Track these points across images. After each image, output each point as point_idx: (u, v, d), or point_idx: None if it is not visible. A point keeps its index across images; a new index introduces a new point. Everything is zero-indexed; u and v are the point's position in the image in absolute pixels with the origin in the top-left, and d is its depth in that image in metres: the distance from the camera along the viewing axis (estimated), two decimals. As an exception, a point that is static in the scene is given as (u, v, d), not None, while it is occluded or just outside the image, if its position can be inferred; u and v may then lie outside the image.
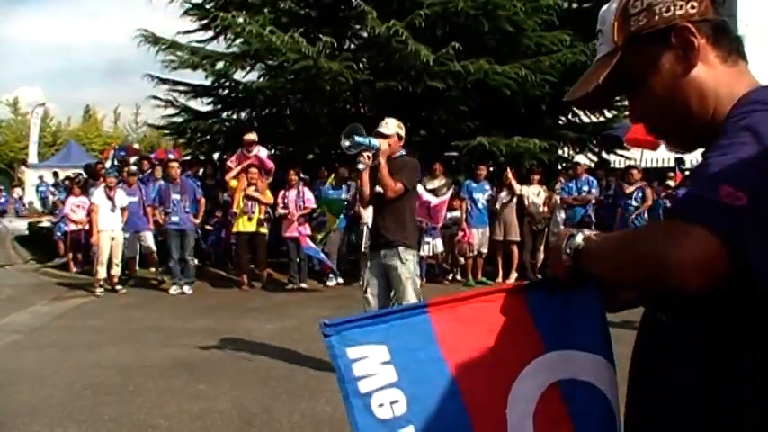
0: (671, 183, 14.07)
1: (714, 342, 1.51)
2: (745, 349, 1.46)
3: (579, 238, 1.71)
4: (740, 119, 1.44)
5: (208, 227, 15.63)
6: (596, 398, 1.96)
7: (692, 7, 1.59)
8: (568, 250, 1.73)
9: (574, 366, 1.97)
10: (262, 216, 13.70)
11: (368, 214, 14.04)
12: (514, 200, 14.64)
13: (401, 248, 6.73)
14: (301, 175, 14.72)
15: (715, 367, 1.50)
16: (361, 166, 6.80)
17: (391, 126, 7.02)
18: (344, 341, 1.98)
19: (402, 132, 7.11)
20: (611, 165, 18.43)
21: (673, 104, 1.64)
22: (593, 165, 17.85)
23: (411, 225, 7.01)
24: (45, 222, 21.46)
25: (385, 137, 6.90)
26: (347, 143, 6.56)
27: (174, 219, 13.31)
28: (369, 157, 6.79)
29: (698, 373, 1.53)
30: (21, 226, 23.18)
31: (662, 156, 17.76)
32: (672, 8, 1.59)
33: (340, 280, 14.04)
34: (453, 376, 1.98)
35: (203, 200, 14.22)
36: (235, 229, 13.87)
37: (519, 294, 2.02)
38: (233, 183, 13.61)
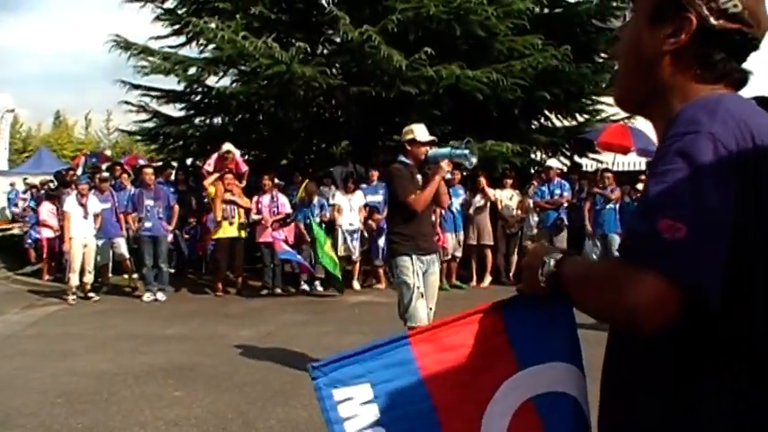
0: (641, 186, 14.18)
1: (676, 369, 1.53)
2: (703, 374, 1.49)
3: (551, 264, 1.75)
4: (673, 142, 1.46)
5: (184, 236, 15.58)
6: (569, 406, 2.01)
7: (714, 20, 1.56)
8: (543, 277, 1.77)
9: (548, 379, 2.03)
10: (242, 220, 13.69)
11: (343, 219, 14.10)
12: (488, 204, 14.71)
13: (436, 255, 6.93)
14: (275, 181, 14.68)
15: (677, 395, 1.53)
16: (449, 176, 6.78)
17: (427, 133, 6.99)
18: (331, 383, 2.07)
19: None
20: (584, 168, 18.54)
21: (635, 67, 1.70)
22: (565, 168, 17.96)
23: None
24: (15, 230, 21.26)
25: (430, 144, 6.92)
26: (474, 158, 6.68)
27: (148, 225, 13.24)
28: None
29: (662, 401, 1.56)
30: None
31: (633, 159, 17.92)
32: (704, 1, 1.57)
33: (318, 284, 14.01)
34: (433, 408, 2.05)
35: (177, 206, 14.15)
36: (216, 236, 13.80)
37: (495, 313, 2.07)
38: (211, 188, 13.58)
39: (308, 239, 13.93)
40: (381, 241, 14.09)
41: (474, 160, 6.49)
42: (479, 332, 2.08)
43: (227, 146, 13.83)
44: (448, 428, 2.06)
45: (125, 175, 15.50)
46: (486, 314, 2.09)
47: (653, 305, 1.37)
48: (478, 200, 14.70)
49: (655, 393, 1.55)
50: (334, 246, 13.95)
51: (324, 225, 14.06)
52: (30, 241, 17.65)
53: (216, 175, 13.57)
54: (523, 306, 2.03)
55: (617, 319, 1.50)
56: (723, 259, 1.38)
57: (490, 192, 14.69)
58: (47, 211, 16.12)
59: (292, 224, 14.20)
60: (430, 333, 2.13)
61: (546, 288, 1.77)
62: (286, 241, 13.69)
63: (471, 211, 14.63)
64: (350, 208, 14.19)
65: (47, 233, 15.97)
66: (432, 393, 2.07)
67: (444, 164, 6.59)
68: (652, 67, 1.63)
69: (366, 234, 14.43)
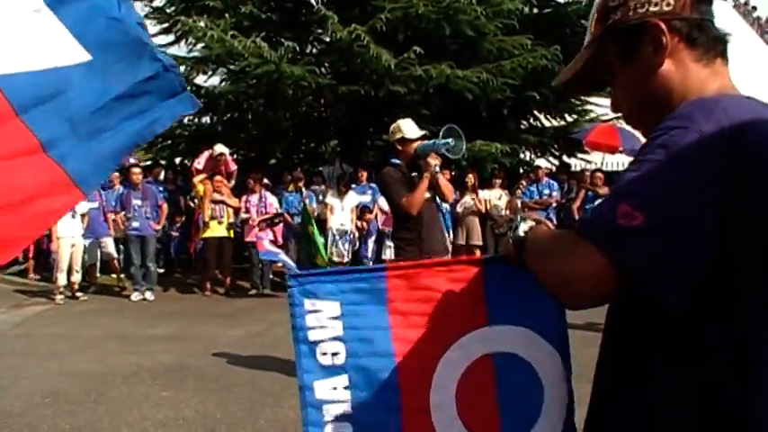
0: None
1: (629, 344, 1.57)
2: (649, 354, 1.52)
3: (521, 230, 1.82)
4: (660, 134, 1.46)
5: (173, 233, 15.53)
6: (525, 371, 2.12)
7: (668, 5, 1.62)
8: (511, 241, 1.85)
9: (512, 341, 2.13)
10: (231, 219, 13.67)
11: (334, 219, 14.06)
12: (477, 202, 14.75)
13: (446, 256, 6.80)
14: (264, 180, 14.65)
15: (630, 371, 1.57)
16: (437, 169, 6.50)
17: (423, 134, 6.73)
18: (304, 293, 2.25)
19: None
20: (572, 168, 18.57)
21: (642, 97, 1.68)
22: (554, 168, 17.99)
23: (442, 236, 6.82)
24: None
25: (421, 138, 6.64)
26: (463, 147, 6.31)
27: (135, 224, 13.22)
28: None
29: (624, 378, 1.60)
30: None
31: (622, 159, 17.94)
32: (646, 5, 1.63)
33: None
34: (392, 339, 2.20)
35: (165, 205, 14.11)
36: (205, 235, 13.74)
37: (478, 267, 2.18)
38: (199, 187, 13.55)
39: (296, 228, 13.89)
40: (371, 242, 14.10)
41: (460, 145, 6.20)
42: (457, 281, 2.18)
43: (220, 147, 13.80)
44: (401, 361, 2.20)
45: (115, 174, 15.43)
46: (468, 266, 2.20)
47: (585, 278, 1.39)
48: (468, 201, 14.71)
49: (638, 387, 1.56)
50: (325, 248, 13.94)
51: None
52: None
53: (204, 175, 13.54)
54: (506, 268, 2.08)
55: (554, 287, 1.52)
56: (684, 263, 1.37)
57: (481, 196, 14.75)
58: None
59: (281, 224, 14.16)
60: (408, 271, 2.26)
61: (514, 252, 1.83)
62: (275, 241, 13.64)
63: (460, 210, 14.64)
64: (341, 208, 14.16)
65: (34, 231, 15.84)
66: (392, 325, 2.22)
67: (431, 159, 6.34)
68: (661, 88, 1.64)
69: (356, 235, 14.41)
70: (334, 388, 2.24)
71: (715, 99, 1.53)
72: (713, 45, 1.65)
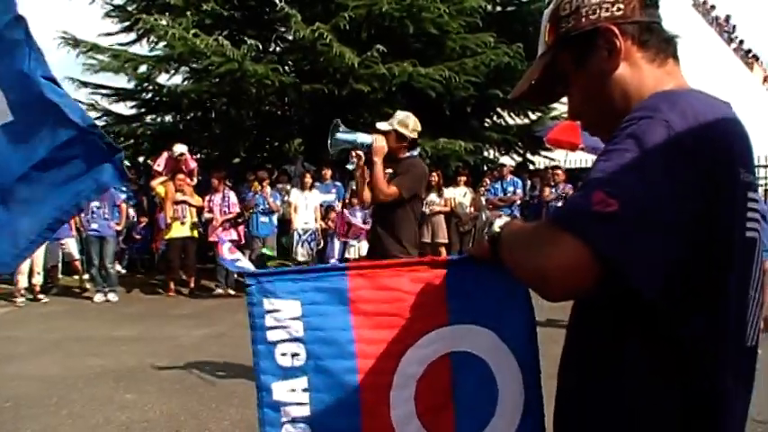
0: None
1: (605, 333, 1.58)
2: (623, 343, 1.54)
3: (496, 226, 1.81)
4: (628, 125, 1.47)
5: (136, 236, 15.41)
6: (481, 370, 2.12)
7: (618, 9, 1.65)
8: (486, 237, 1.84)
9: (470, 340, 2.13)
10: (194, 219, 13.59)
11: (298, 219, 14.04)
12: (443, 202, 14.80)
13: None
14: (227, 182, 14.59)
15: (607, 361, 1.58)
16: (350, 166, 6.13)
17: (393, 122, 6.01)
18: (263, 292, 2.22)
19: (406, 131, 5.99)
20: (536, 165, 18.68)
21: (599, 102, 1.69)
22: (517, 166, 18.10)
23: (407, 237, 6.01)
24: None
25: (382, 133, 5.95)
26: (329, 141, 5.94)
27: (94, 225, 13.05)
28: (359, 156, 5.94)
29: (600, 369, 1.60)
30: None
31: (585, 157, 18.06)
32: (597, 11, 1.65)
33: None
34: (355, 340, 2.19)
35: (124, 205, 13.95)
36: (168, 236, 13.63)
37: (440, 268, 2.18)
38: (159, 189, 13.46)
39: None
40: (337, 241, 14.10)
41: (342, 137, 5.98)
42: (419, 281, 2.17)
43: (180, 147, 13.71)
44: (362, 362, 2.19)
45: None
46: (431, 267, 2.19)
47: (565, 268, 1.38)
48: (436, 200, 14.76)
49: (615, 375, 1.57)
50: (290, 250, 13.94)
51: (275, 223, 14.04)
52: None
53: (164, 177, 13.45)
54: (469, 269, 2.10)
55: (530, 278, 1.51)
56: (659, 249, 1.38)
57: (445, 194, 14.80)
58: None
59: (243, 224, 14.11)
60: (369, 271, 2.26)
61: (488, 249, 1.82)
62: (239, 241, 13.58)
63: (427, 210, 14.67)
64: (305, 206, 14.12)
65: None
66: (354, 326, 2.20)
67: (352, 156, 6.00)
68: (618, 91, 1.66)
69: (320, 234, 14.40)
70: (293, 390, 2.22)
71: (678, 92, 1.56)
72: (664, 46, 1.68)
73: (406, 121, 5.99)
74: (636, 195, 1.37)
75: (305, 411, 2.22)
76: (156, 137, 17.39)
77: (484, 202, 14.97)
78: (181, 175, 13.45)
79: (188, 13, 15.36)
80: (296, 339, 2.21)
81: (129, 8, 17.55)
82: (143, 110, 18.82)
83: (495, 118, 19.15)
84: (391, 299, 2.19)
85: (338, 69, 15.04)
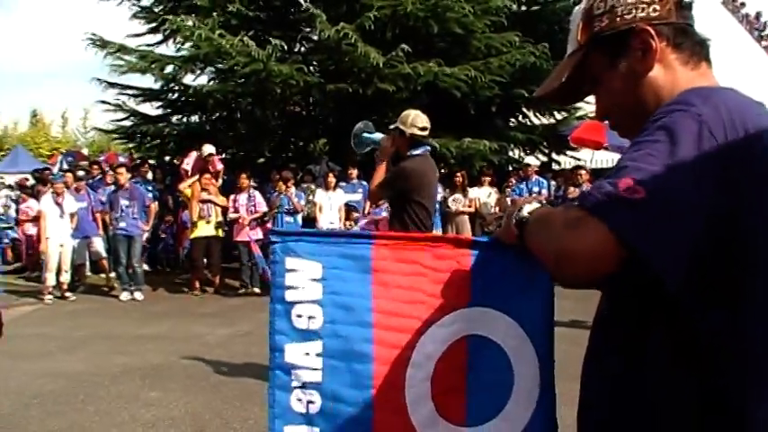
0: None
1: (630, 324, 1.58)
2: (646, 336, 1.53)
3: (525, 211, 1.78)
4: (660, 117, 1.47)
5: (162, 234, 15.50)
6: (497, 355, 2.09)
7: (654, 10, 1.63)
8: (514, 221, 1.80)
9: (488, 325, 2.11)
10: (219, 219, 13.65)
11: (323, 218, 14.05)
12: (467, 202, 14.77)
13: None
14: (251, 182, 14.63)
15: (630, 353, 1.57)
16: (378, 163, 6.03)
17: (398, 121, 5.83)
18: (286, 250, 2.19)
19: (404, 127, 5.73)
20: (562, 165, 18.58)
21: (631, 103, 1.68)
22: (542, 165, 18.01)
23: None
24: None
25: (390, 132, 5.90)
26: (353, 141, 5.94)
27: (122, 224, 13.15)
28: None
29: (624, 360, 1.59)
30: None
31: (611, 156, 17.94)
32: (633, 11, 1.64)
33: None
34: (373, 310, 2.16)
35: (153, 206, 14.04)
36: (193, 235, 13.70)
37: (464, 248, 2.15)
38: (187, 191, 13.54)
39: None
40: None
41: (366, 136, 5.88)
42: (443, 258, 2.15)
43: (209, 148, 13.78)
44: (378, 332, 2.16)
45: (111, 173, 15.42)
46: (456, 245, 2.17)
47: (589, 251, 1.37)
48: (461, 199, 14.73)
49: (617, 351, 1.59)
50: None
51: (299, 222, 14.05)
52: (6, 241, 17.48)
53: (192, 180, 13.52)
54: (493, 252, 2.09)
55: (553, 260, 1.49)
56: (683, 240, 1.37)
57: (470, 194, 14.77)
58: (28, 208, 15.91)
59: (269, 223, 14.13)
60: (395, 242, 2.22)
61: (516, 234, 1.80)
62: (264, 240, 13.62)
63: (453, 208, 14.65)
64: (330, 206, 14.13)
65: (29, 230, 15.77)
66: (374, 295, 2.17)
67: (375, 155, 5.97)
68: (650, 92, 1.65)
69: (345, 234, 14.38)
70: (307, 353, 2.19)
71: (712, 87, 1.57)
72: (698, 49, 1.67)
73: (405, 119, 5.81)
74: (664, 185, 1.36)
75: (316, 377, 2.19)
76: (181, 137, 17.50)
77: (509, 203, 14.90)
78: (207, 175, 13.51)
79: (214, 13, 15.45)
80: (314, 301, 2.18)
81: (156, 9, 17.68)
82: (169, 110, 18.93)
83: (520, 118, 19.09)
84: (413, 272, 2.17)
85: (363, 69, 15.05)
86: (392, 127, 5.88)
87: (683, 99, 1.50)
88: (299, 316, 2.20)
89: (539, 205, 1.78)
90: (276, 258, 2.22)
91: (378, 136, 5.91)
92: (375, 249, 2.19)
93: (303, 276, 2.19)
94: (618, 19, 1.66)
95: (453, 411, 2.16)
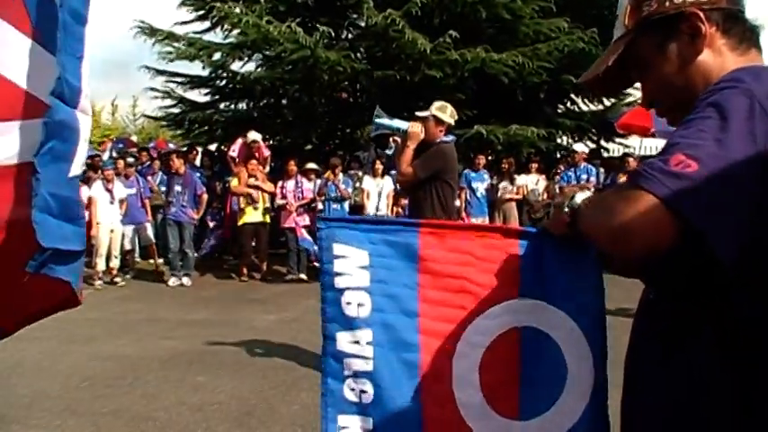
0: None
1: (682, 315, 1.55)
2: (696, 319, 1.51)
3: (579, 199, 1.76)
4: (709, 95, 1.45)
5: (210, 222, 15.63)
6: (550, 349, 2.06)
7: None
8: (567, 209, 1.79)
9: (541, 317, 2.08)
10: (267, 204, 13.72)
11: (371, 205, 14.05)
12: (515, 190, 14.68)
13: None
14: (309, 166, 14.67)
15: (674, 340, 1.56)
16: (389, 151, 6.42)
17: (431, 109, 6.33)
18: (333, 236, 2.19)
19: (443, 116, 6.30)
20: (610, 153, 18.38)
21: (679, 89, 1.66)
22: (590, 153, 17.82)
23: (429, 217, 6.01)
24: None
25: (419, 119, 6.28)
26: (372, 127, 6.34)
27: (173, 210, 13.29)
28: (396, 141, 6.37)
29: (667, 348, 1.58)
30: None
31: (660, 143, 17.67)
32: None
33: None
34: (419, 299, 2.16)
35: (205, 195, 14.12)
36: (241, 221, 13.77)
37: (513, 238, 2.12)
38: (234, 182, 13.65)
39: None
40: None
41: (380, 121, 6.37)
42: (492, 248, 2.13)
43: (254, 135, 13.87)
44: (424, 322, 2.15)
45: (157, 161, 15.60)
46: (504, 236, 2.14)
47: (644, 225, 1.36)
48: (509, 187, 14.64)
49: (685, 349, 1.55)
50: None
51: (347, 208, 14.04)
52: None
53: (243, 175, 13.61)
54: (542, 243, 2.06)
55: (608, 237, 1.47)
56: (736, 214, 1.35)
57: (518, 181, 14.68)
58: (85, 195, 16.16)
59: (316, 209, 14.17)
60: (441, 230, 2.21)
61: (569, 223, 1.78)
62: (310, 227, 13.65)
63: (499, 196, 14.56)
64: (377, 193, 14.11)
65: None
66: (420, 284, 2.16)
67: (391, 142, 6.50)
68: (699, 76, 1.62)
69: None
70: (357, 342, 2.18)
71: (762, 66, 1.55)
72: (747, 35, 1.64)
73: (444, 109, 6.34)
74: (716, 158, 1.34)
75: (368, 366, 2.18)
76: (229, 124, 17.60)
77: (557, 190, 14.77)
78: (253, 161, 13.58)
79: (261, 0, 15.48)
80: (362, 289, 2.18)
81: (204, -4, 17.79)
82: (217, 97, 19.05)
83: (568, 104, 18.93)
84: (461, 262, 2.14)
85: (410, 55, 15.01)
86: (424, 114, 6.28)
87: (733, 77, 1.47)
88: (349, 303, 2.19)
89: (590, 194, 1.76)
90: (323, 245, 2.22)
91: (394, 122, 6.27)
92: (422, 237, 2.17)
93: (351, 263, 2.18)
94: (667, 3, 1.63)
95: (505, 405, 2.13)
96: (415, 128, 6.13)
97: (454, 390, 2.13)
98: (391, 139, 6.19)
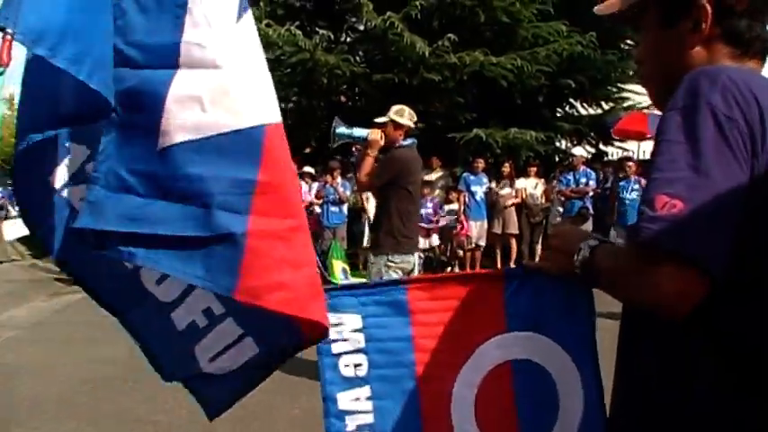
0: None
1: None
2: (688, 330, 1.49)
3: (587, 252, 1.72)
4: (673, 114, 1.45)
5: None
6: (543, 380, 2.10)
7: None
8: (578, 264, 1.73)
9: (530, 348, 2.12)
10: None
11: (370, 207, 14.04)
12: (514, 193, 14.68)
13: (370, 252, 6.53)
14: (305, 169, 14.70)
15: (666, 351, 1.56)
16: (353, 159, 6.53)
17: (390, 113, 6.49)
18: (327, 307, 2.16)
19: (402, 119, 6.42)
20: (609, 156, 18.39)
21: (665, 65, 1.68)
22: (590, 156, 17.83)
23: (387, 227, 6.23)
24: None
25: (378, 125, 6.44)
26: (331, 137, 6.38)
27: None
28: (358, 149, 6.50)
29: (659, 361, 1.57)
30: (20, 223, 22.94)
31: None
32: None
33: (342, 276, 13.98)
34: (414, 349, 2.22)
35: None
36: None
37: (496, 280, 2.18)
38: None
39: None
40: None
41: (340, 131, 6.35)
42: (477, 290, 2.18)
43: None
44: (422, 370, 2.21)
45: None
46: (488, 279, 2.22)
47: (674, 293, 1.36)
48: (509, 192, 14.65)
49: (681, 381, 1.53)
50: (361, 235, 13.93)
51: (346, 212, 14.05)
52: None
53: None
54: (528, 279, 2.10)
55: (655, 311, 1.46)
56: (727, 232, 1.36)
57: (516, 185, 14.69)
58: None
59: (314, 215, 14.17)
60: (427, 284, 2.27)
61: (580, 275, 1.75)
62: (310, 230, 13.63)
63: (503, 203, 14.55)
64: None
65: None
66: (414, 335, 2.22)
67: (354, 150, 6.57)
68: (684, 66, 1.60)
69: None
70: (357, 399, 2.26)
71: (716, 68, 1.52)
72: (757, 46, 1.63)
73: (401, 112, 6.45)
74: (696, 189, 1.35)
75: (369, 419, 2.26)
76: (228, 126, 17.60)
77: (556, 194, 14.78)
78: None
79: (261, 3, 15.50)
80: (359, 350, 2.27)
81: (203, -1, 17.78)
82: (215, 99, 19.04)
83: (567, 108, 18.92)
84: (449, 308, 2.20)
85: (409, 59, 15.02)
86: (382, 120, 6.40)
87: (691, 89, 1.46)
88: (347, 366, 2.28)
89: (596, 242, 1.72)
90: None
91: (354, 131, 6.33)
92: (410, 293, 2.25)
93: (345, 329, 2.27)
94: None
95: None
96: (375, 135, 6.23)
97: (454, 428, 2.20)
98: (354, 148, 6.28)
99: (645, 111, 15.79)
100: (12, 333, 9.23)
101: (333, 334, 2.24)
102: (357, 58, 16.44)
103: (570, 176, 14.78)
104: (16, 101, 2.14)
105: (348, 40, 17.66)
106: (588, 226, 14.21)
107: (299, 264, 1.97)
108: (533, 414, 2.13)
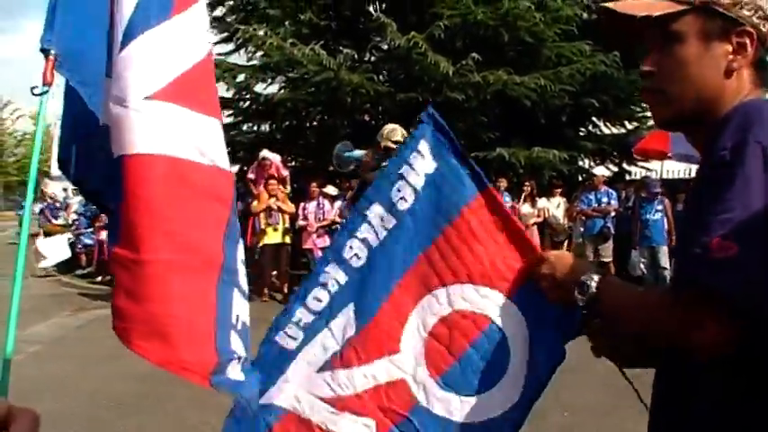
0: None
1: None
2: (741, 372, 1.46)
3: (593, 286, 1.72)
4: (723, 154, 1.43)
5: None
6: (503, 348, 2.14)
7: (765, 26, 1.60)
8: (582, 299, 1.74)
9: (508, 321, 2.14)
10: (287, 225, 13.72)
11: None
12: (536, 212, 14.65)
13: None
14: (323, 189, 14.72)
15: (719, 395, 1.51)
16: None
17: (383, 133, 6.41)
18: (425, 135, 2.57)
19: (381, 141, 6.29)
20: (632, 176, 18.30)
21: (692, 85, 1.63)
22: (611, 176, 17.75)
23: None
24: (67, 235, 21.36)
25: (371, 147, 6.52)
26: (335, 162, 6.44)
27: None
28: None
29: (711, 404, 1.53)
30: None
31: (682, 167, 17.55)
32: (752, 12, 1.59)
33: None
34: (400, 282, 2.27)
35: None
36: (261, 242, 13.78)
37: (532, 258, 2.12)
38: (254, 204, 13.64)
39: None
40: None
41: (344, 155, 6.40)
42: (512, 248, 2.18)
43: (264, 152, 13.91)
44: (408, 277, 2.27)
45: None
46: (528, 252, 2.16)
47: (718, 337, 1.36)
48: (531, 211, 14.61)
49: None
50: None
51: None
52: (80, 246, 17.87)
53: (263, 196, 13.63)
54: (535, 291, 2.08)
55: (687, 348, 1.46)
56: None
57: (539, 205, 14.64)
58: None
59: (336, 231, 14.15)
60: (494, 205, 2.30)
61: (584, 309, 1.75)
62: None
63: (525, 222, 14.50)
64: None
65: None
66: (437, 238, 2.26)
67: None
68: (717, 87, 1.60)
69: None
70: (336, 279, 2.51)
71: (759, 103, 1.52)
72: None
73: (382, 132, 6.38)
74: (751, 232, 1.34)
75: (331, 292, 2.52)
76: (251, 145, 17.65)
77: (577, 213, 14.71)
78: (273, 181, 13.60)
79: (286, 23, 15.64)
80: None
81: (229, 19, 17.91)
82: (240, 118, 19.10)
83: (590, 127, 18.87)
84: (484, 239, 2.21)
85: (433, 78, 15.06)
86: (378, 142, 6.30)
87: (739, 126, 1.44)
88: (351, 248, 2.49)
89: (599, 276, 1.72)
90: (416, 134, 2.59)
91: (357, 153, 6.25)
92: (477, 199, 2.26)
93: (419, 169, 2.40)
94: (739, 7, 1.59)
95: (437, 361, 2.19)
96: (365, 157, 6.32)
97: (406, 325, 2.24)
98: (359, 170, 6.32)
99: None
100: (35, 348, 9.28)
101: (406, 167, 2.40)
102: (381, 77, 16.50)
103: (592, 196, 14.71)
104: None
105: (372, 59, 17.71)
106: (609, 245, 14.14)
107: (139, 298, 2.16)
108: (472, 369, 2.14)
